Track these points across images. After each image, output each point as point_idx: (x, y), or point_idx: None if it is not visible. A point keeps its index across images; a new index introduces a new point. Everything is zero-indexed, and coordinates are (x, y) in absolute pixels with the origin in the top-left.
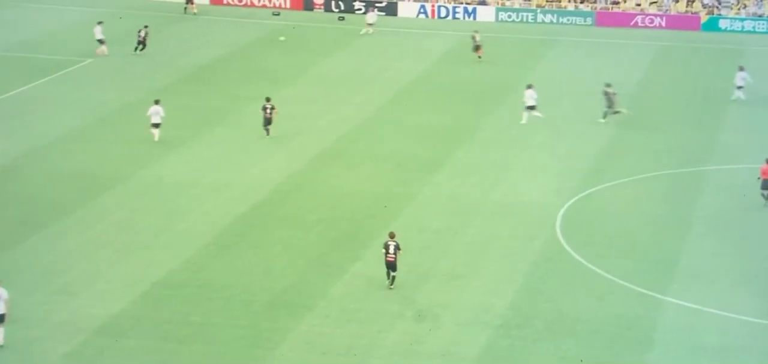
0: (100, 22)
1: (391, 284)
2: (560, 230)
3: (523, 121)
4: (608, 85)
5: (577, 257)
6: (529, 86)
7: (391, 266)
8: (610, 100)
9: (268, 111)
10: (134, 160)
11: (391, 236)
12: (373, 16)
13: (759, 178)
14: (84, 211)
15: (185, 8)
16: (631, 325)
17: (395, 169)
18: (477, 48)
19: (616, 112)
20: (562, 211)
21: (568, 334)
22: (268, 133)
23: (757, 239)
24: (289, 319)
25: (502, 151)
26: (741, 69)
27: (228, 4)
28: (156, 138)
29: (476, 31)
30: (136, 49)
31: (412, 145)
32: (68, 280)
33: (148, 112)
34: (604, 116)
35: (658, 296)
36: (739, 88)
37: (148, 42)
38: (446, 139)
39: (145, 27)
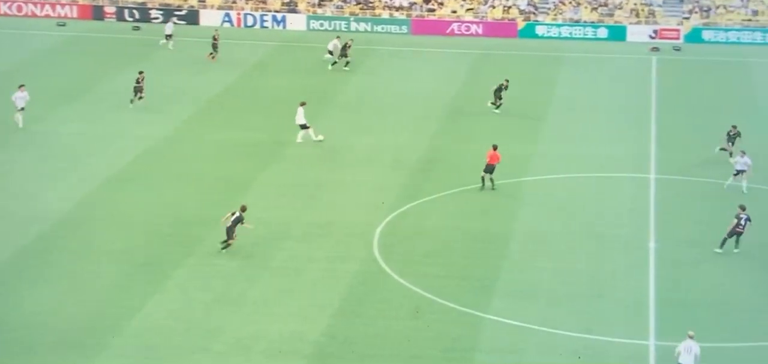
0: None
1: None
2: (378, 249)
3: (299, 140)
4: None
5: (396, 277)
6: (303, 103)
7: (229, 234)
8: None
9: (140, 81)
10: None
11: (243, 209)
12: (170, 27)
13: (487, 163)
14: None
15: None
16: (452, 345)
17: (198, 192)
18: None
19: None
20: (379, 229)
21: (387, 359)
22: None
23: (576, 253)
24: (80, 360)
25: (315, 167)
26: (332, 43)
27: (5, 14)
28: (20, 124)
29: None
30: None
31: (217, 164)
32: None
33: (13, 98)
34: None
35: (479, 314)
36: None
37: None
38: (255, 156)
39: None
